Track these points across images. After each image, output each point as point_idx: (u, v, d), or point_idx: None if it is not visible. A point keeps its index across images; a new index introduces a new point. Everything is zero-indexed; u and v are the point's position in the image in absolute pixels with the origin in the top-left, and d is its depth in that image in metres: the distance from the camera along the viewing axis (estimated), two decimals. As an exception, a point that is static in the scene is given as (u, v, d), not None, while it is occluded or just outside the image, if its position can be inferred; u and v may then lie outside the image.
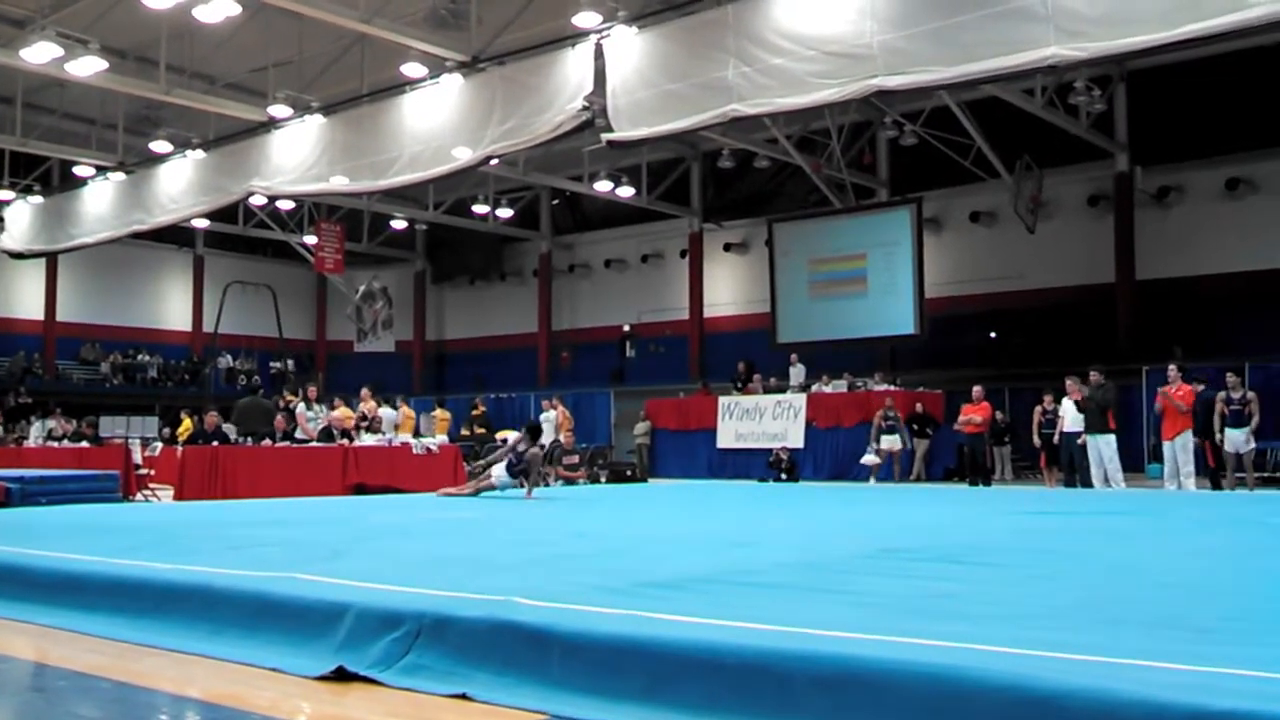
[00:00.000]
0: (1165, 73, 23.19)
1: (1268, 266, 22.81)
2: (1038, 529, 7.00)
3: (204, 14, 17.38)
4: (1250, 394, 15.27)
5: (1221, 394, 15.24)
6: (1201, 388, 15.42)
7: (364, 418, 17.43)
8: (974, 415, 17.86)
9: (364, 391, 18.49)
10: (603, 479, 20.79)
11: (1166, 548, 5.96)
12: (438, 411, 20.82)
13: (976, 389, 18.19)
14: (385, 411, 18.39)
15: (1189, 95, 23.66)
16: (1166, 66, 22.63)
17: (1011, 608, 3.47)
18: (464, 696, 3.04)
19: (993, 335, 26.28)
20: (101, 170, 25.27)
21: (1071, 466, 15.98)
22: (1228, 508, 9.75)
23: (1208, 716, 2.16)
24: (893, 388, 22.25)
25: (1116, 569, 4.76)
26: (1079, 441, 15.48)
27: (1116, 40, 12.30)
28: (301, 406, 17.31)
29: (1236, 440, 15.07)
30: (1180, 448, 14.70)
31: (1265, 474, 17.61)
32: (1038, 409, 17.67)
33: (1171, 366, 15.50)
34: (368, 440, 16.61)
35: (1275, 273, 22.71)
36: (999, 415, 20.26)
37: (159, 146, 24.14)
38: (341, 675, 3.26)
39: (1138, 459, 18.72)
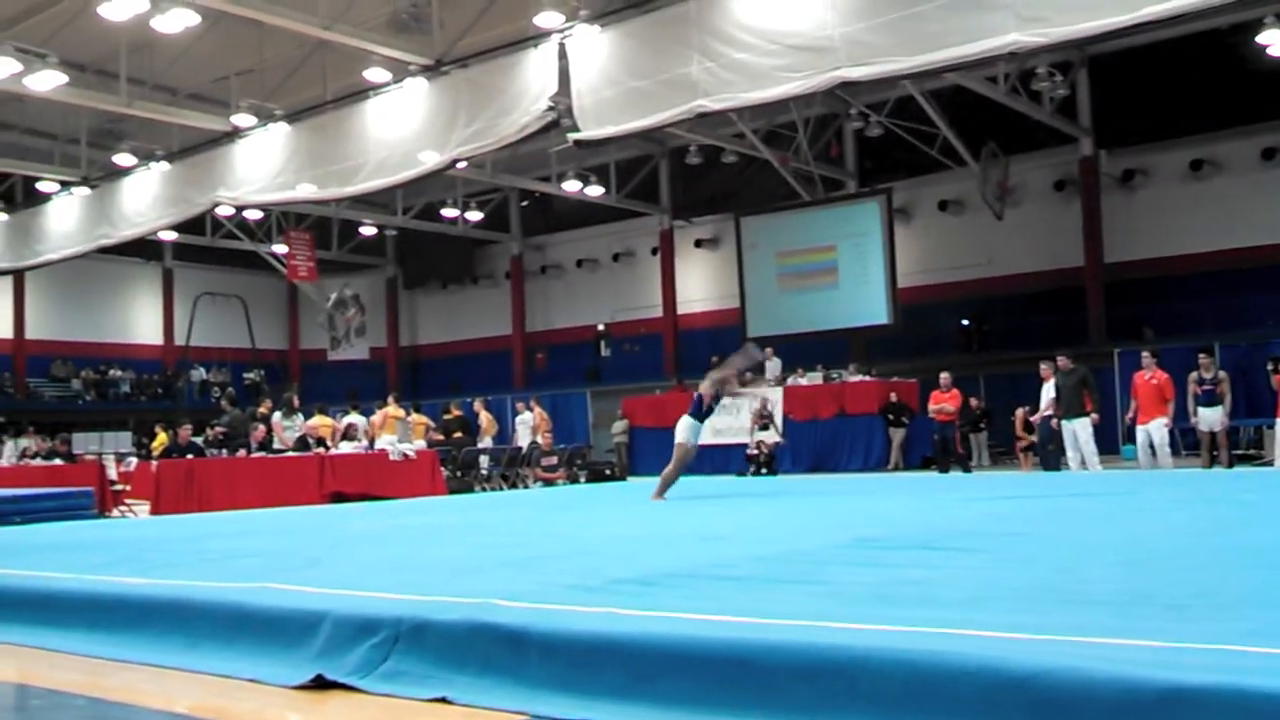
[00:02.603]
0: (1126, 56, 23.36)
1: (1233, 246, 23.03)
2: (1011, 513, 7.04)
3: (163, 25, 17.26)
4: (1222, 374, 15.36)
5: (1194, 374, 15.33)
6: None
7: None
8: (945, 404, 17.92)
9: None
10: (582, 479, 20.78)
11: (1138, 527, 6.00)
12: (414, 416, 20.73)
13: (944, 376, 18.25)
14: (356, 418, 18.33)
15: (1151, 78, 23.86)
16: (1128, 50, 22.80)
17: (984, 591, 3.49)
18: (443, 700, 3.04)
19: (964, 323, 26.40)
20: (66, 185, 25.09)
21: (1045, 450, 16.06)
22: (1201, 486, 9.83)
23: (1181, 691, 2.18)
24: (867, 378, 22.34)
25: (1088, 549, 4.79)
26: (1052, 425, 15.57)
27: (1076, 25, 12.41)
28: (278, 416, 17.23)
29: (1210, 420, 15.16)
30: None
31: (1239, 451, 17.75)
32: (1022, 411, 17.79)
33: (1145, 353, 15.56)
34: (345, 448, 16.57)
35: (1241, 252, 22.94)
36: (974, 402, 20.34)
37: (123, 160, 23.95)
38: (320, 683, 3.24)
39: (1112, 442, 18.83)
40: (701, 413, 10.77)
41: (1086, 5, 12.29)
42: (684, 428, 10.72)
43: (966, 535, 5.48)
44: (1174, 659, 2.35)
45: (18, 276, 30.45)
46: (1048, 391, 15.80)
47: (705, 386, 10.79)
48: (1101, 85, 24.56)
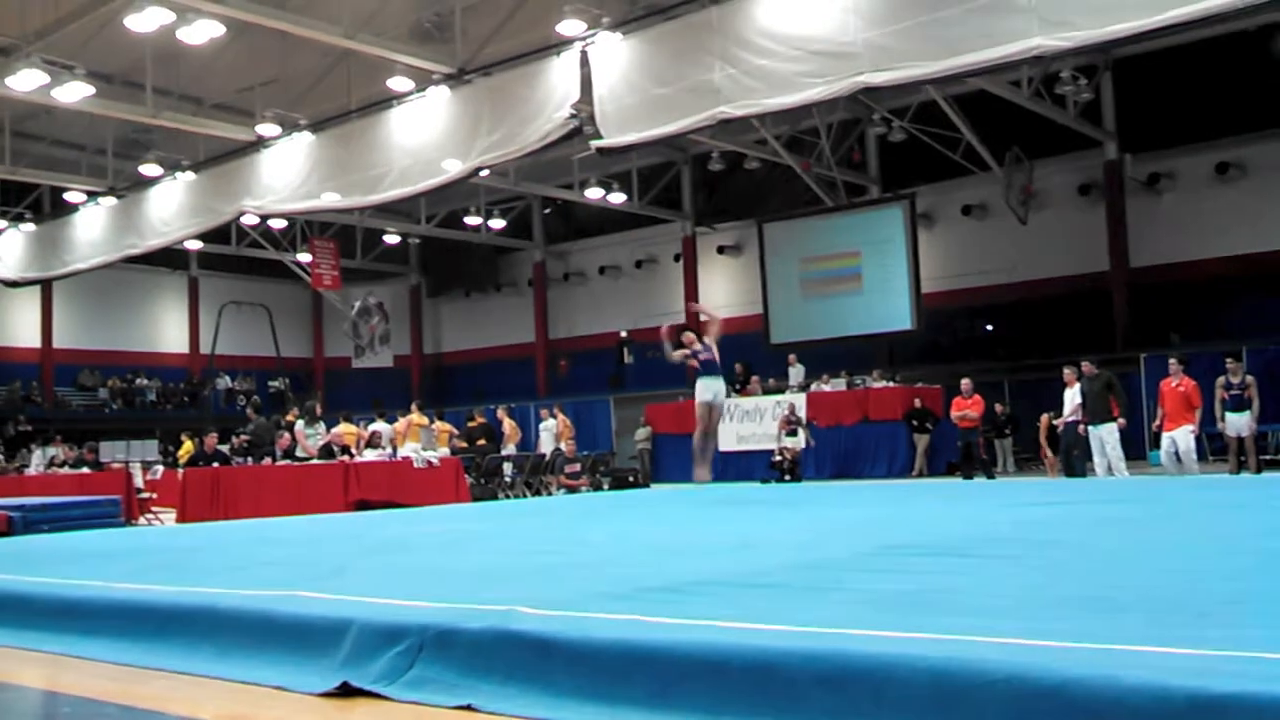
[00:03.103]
0: (1151, 59, 23.26)
1: (1261, 249, 22.86)
2: (1038, 520, 6.99)
3: (188, 36, 17.41)
4: (1249, 378, 15.24)
5: (1221, 379, 15.22)
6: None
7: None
8: (968, 410, 17.83)
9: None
10: (605, 486, 20.78)
11: (1166, 533, 5.95)
12: (438, 424, 20.80)
13: (965, 383, 18.18)
14: (381, 426, 18.39)
15: (1176, 81, 23.72)
16: (1152, 53, 22.69)
17: (1012, 599, 3.47)
18: (469, 708, 3.04)
19: (989, 328, 26.30)
20: (92, 196, 25.31)
21: (1070, 456, 15.96)
22: (1229, 491, 9.74)
23: (1212, 699, 2.16)
24: (891, 384, 22.27)
25: (1116, 556, 4.75)
26: (1079, 431, 15.49)
27: (1100, 28, 12.33)
28: (301, 424, 17.31)
29: (1238, 425, 15.05)
30: None
31: (1267, 457, 17.61)
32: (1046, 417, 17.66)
33: (1172, 360, 15.45)
34: (369, 455, 16.62)
35: (1269, 255, 22.77)
36: (999, 407, 20.24)
37: (149, 170, 24.14)
38: (346, 690, 3.25)
39: (1139, 448, 18.73)
40: (700, 372, 10.71)
41: (1111, 8, 12.21)
42: (697, 390, 10.68)
43: (993, 542, 5.44)
44: (1204, 666, 2.33)
45: (45, 286, 30.74)
46: (1070, 397, 15.72)
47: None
48: (1126, 88, 24.44)
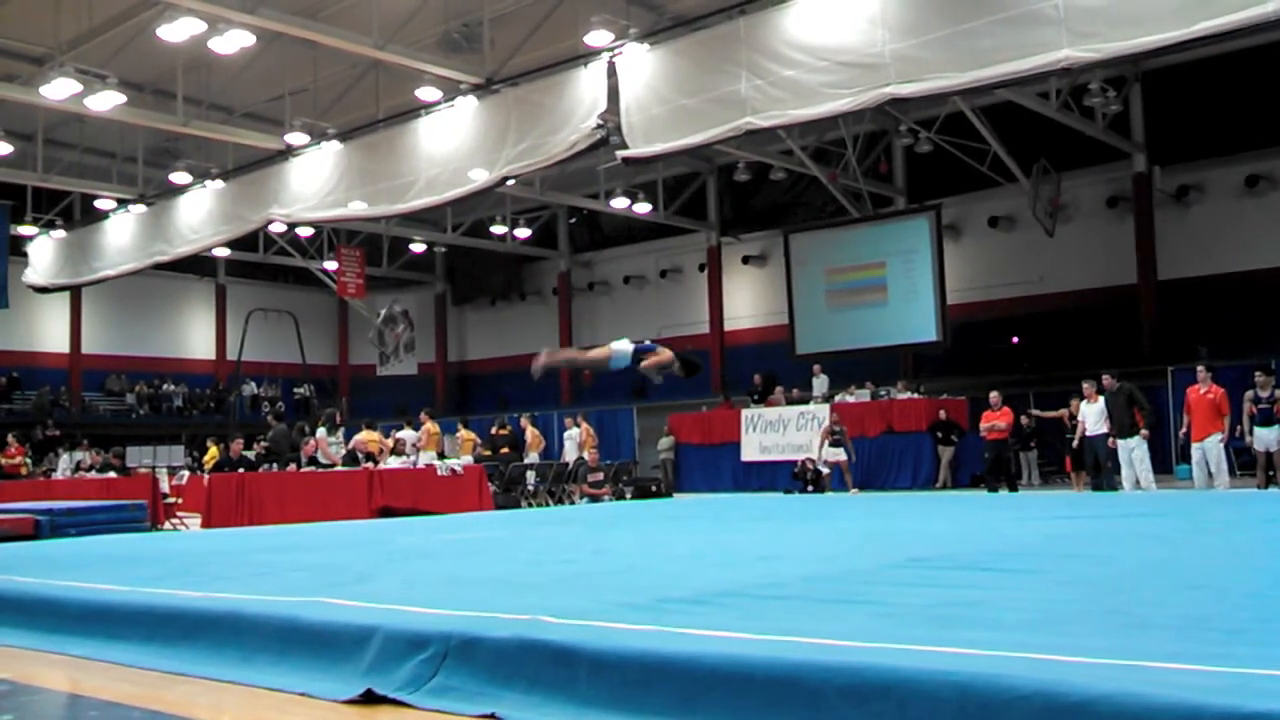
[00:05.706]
0: (1181, 71, 23.09)
1: (1291, 263, 22.65)
2: (1065, 533, 6.94)
3: (219, 45, 17.56)
4: (1279, 392, 15.12)
5: (1249, 393, 15.09)
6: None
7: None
8: (996, 421, 17.73)
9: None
10: (628, 495, 20.78)
11: (1197, 549, 5.90)
12: (462, 432, 20.85)
13: (994, 395, 18.08)
14: (406, 433, 18.43)
15: (1205, 93, 23.55)
16: (1182, 65, 22.53)
17: (1040, 613, 3.44)
18: (492, 716, 3.04)
19: (1015, 340, 26.15)
20: (122, 203, 25.51)
21: (1096, 469, 15.87)
22: (1258, 507, 9.65)
23: (1243, 717, 2.13)
24: (916, 395, 22.19)
25: (1146, 571, 4.71)
26: (1110, 445, 15.39)
27: (1130, 40, 12.26)
28: (323, 431, 17.37)
29: (1267, 439, 14.91)
30: None
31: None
32: (1064, 411, 17.60)
33: (1200, 367, 15.36)
34: (392, 463, 16.67)
35: (1299, 269, 22.55)
36: (1024, 420, 20.14)
37: (179, 178, 24.36)
38: (370, 698, 3.26)
39: (1165, 460, 18.58)
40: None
41: (1140, 20, 12.14)
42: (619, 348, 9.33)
43: (1021, 555, 5.41)
44: (1235, 684, 2.31)
45: (75, 292, 30.97)
46: (1087, 410, 15.64)
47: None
48: (1155, 100, 24.28)
